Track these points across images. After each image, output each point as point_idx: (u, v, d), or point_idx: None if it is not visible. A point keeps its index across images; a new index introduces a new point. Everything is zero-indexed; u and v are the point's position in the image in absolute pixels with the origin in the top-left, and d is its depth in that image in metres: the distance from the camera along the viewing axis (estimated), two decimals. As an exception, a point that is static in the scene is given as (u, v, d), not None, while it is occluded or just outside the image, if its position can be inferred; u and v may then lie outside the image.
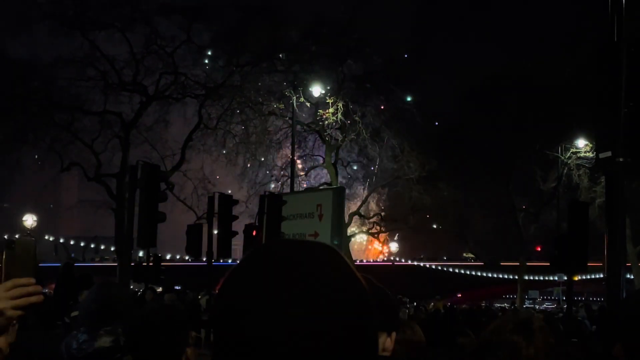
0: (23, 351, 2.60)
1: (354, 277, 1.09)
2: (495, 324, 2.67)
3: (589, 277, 51.66)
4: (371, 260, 66.91)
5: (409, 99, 37.79)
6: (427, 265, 72.02)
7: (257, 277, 1.04)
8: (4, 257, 2.26)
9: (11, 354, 2.53)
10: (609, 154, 6.85)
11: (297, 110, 31.50)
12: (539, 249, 53.57)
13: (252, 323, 0.99)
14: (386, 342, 2.20)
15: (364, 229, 42.24)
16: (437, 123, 41.30)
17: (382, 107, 36.76)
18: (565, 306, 32.25)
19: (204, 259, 17.23)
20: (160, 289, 21.18)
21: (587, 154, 33.70)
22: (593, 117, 7.41)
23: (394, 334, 2.23)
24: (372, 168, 37.97)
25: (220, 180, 39.16)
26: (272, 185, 37.66)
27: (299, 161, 37.50)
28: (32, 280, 2.25)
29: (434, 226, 48.43)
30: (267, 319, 0.99)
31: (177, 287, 28.70)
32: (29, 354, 3.96)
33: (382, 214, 42.35)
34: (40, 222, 41.56)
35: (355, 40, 36.07)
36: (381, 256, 69.06)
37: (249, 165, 37.20)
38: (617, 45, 6.97)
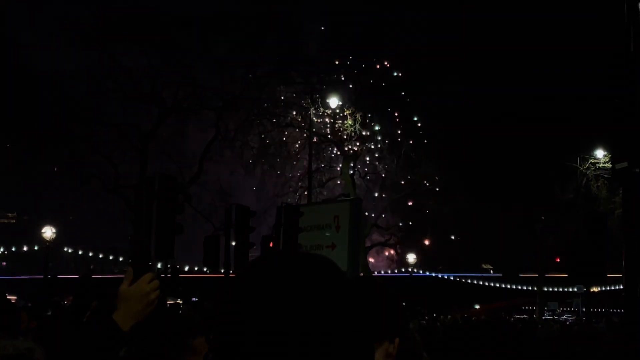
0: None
1: (345, 295, 1.09)
2: None
3: (609, 288, 51.22)
4: (389, 272, 66.63)
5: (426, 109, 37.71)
6: (445, 277, 71.69)
7: (248, 290, 1.06)
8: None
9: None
10: (625, 164, 6.82)
11: (314, 122, 31.54)
12: (558, 260, 53.10)
13: (240, 334, 1.02)
14: (389, 348, 2.20)
15: (382, 240, 42.07)
16: (455, 134, 41.22)
17: (400, 118, 36.72)
18: (584, 317, 31.96)
19: (222, 271, 17.21)
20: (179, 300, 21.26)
21: (606, 165, 33.52)
22: (610, 128, 7.36)
23: (397, 340, 2.23)
24: (390, 179, 37.85)
25: (238, 192, 39.24)
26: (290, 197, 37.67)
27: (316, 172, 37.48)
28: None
29: (452, 237, 48.22)
30: (254, 330, 1.01)
31: (194, 299, 28.76)
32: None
33: (400, 225, 42.19)
34: (59, 234, 41.73)
35: (373, 52, 36.12)
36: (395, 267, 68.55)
37: (266, 176, 37.23)
38: (634, 56, 6.95)
